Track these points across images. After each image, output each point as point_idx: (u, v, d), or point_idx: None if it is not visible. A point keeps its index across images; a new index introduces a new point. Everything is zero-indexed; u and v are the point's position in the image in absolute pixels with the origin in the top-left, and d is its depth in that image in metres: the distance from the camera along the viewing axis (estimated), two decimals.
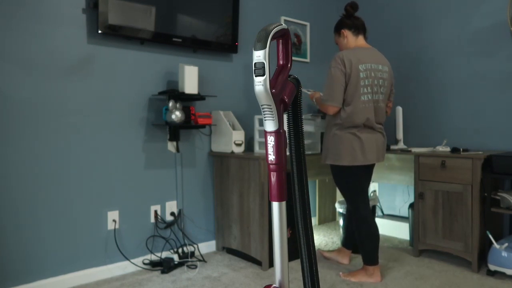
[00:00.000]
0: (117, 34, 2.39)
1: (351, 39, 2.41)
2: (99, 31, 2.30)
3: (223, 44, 2.90)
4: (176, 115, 2.51)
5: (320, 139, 2.98)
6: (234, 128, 2.84)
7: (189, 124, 2.64)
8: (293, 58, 3.52)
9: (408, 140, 3.43)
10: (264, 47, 0.84)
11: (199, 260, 2.74)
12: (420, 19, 3.35)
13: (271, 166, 0.91)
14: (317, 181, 3.68)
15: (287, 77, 0.95)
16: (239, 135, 2.77)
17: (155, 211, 2.68)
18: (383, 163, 3.18)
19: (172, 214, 2.77)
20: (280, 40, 0.95)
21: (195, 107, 2.85)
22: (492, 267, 2.41)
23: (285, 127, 0.94)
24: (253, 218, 2.61)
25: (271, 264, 2.56)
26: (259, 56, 0.84)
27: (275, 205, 0.92)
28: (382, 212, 3.64)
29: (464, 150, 2.69)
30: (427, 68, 3.31)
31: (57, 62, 2.27)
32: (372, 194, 3.14)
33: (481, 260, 2.56)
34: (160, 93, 2.59)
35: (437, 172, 2.66)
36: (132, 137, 2.58)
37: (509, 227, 2.79)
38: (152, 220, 2.68)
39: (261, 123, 2.80)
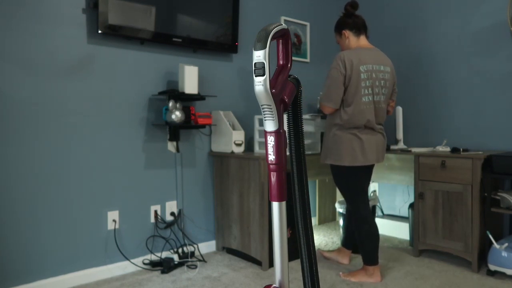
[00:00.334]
0: (117, 34, 2.39)
1: (352, 39, 2.40)
2: (99, 31, 2.30)
3: (223, 44, 2.90)
4: (176, 115, 2.51)
5: (320, 139, 2.98)
6: (234, 128, 2.84)
7: (189, 124, 2.64)
8: (293, 58, 3.52)
9: (408, 140, 3.43)
10: (264, 47, 0.84)
11: (199, 260, 2.74)
12: (420, 19, 3.35)
13: (271, 166, 0.91)
14: (317, 181, 3.68)
15: (287, 77, 0.95)
16: (239, 135, 2.77)
17: (155, 211, 2.68)
18: (383, 163, 3.18)
19: (172, 214, 2.77)
20: (280, 40, 0.95)
21: (195, 107, 2.85)
22: (492, 267, 2.41)
23: (285, 127, 0.94)
24: (253, 218, 2.61)
25: (271, 264, 2.56)
26: (259, 56, 0.84)
27: (275, 205, 0.92)
28: (382, 212, 3.64)
29: (464, 150, 2.69)
30: (427, 68, 3.31)
31: (57, 62, 2.27)
32: (372, 194, 3.14)
33: (481, 260, 2.56)
34: (160, 93, 2.59)
35: (437, 172, 2.66)
36: (132, 137, 2.58)
37: (509, 227, 2.79)
38: (152, 220, 2.68)
39: (261, 123, 2.80)
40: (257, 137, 2.81)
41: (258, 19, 3.23)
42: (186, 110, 2.62)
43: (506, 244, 2.38)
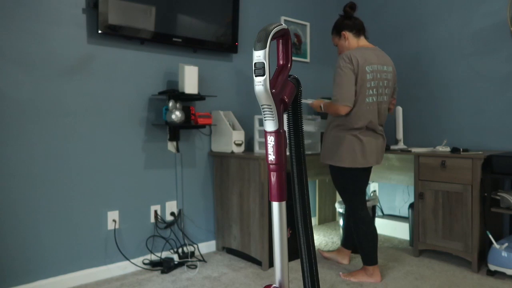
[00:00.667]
0: (117, 34, 2.39)
1: (352, 40, 2.40)
2: (99, 31, 2.30)
3: (223, 44, 2.90)
4: (176, 115, 2.51)
5: (320, 139, 2.98)
6: (234, 128, 2.84)
7: (189, 124, 2.64)
8: (293, 58, 3.52)
9: (408, 140, 3.43)
10: (264, 47, 0.84)
11: (199, 260, 2.74)
12: (420, 19, 3.35)
13: (271, 166, 0.91)
14: (317, 181, 3.68)
15: (287, 77, 0.95)
16: (239, 135, 2.77)
17: (155, 211, 2.68)
18: (383, 163, 3.18)
19: (172, 214, 2.77)
20: (280, 40, 0.95)
21: (195, 107, 2.85)
22: (492, 267, 2.41)
23: (285, 127, 0.94)
24: (253, 218, 2.61)
25: (271, 264, 2.56)
26: (259, 56, 0.84)
27: (275, 205, 0.92)
28: (382, 212, 3.64)
29: (464, 150, 2.69)
30: (427, 68, 3.31)
31: (57, 62, 2.27)
32: (372, 194, 3.14)
33: (481, 260, 2.56)
34: (160, 93, 2.59)
35: (437, 172, 2.65)
36: (132, 137, 2.58)
37: (509, 227, 2.79)
38: (152, 220, 2.67)
39: (261, 123, 2.80)
40: (257, 137, 2.81)
41: (258, 19, 3.23)
42: (186, 110, 2.62)
43: (506, 244, 2.38)
